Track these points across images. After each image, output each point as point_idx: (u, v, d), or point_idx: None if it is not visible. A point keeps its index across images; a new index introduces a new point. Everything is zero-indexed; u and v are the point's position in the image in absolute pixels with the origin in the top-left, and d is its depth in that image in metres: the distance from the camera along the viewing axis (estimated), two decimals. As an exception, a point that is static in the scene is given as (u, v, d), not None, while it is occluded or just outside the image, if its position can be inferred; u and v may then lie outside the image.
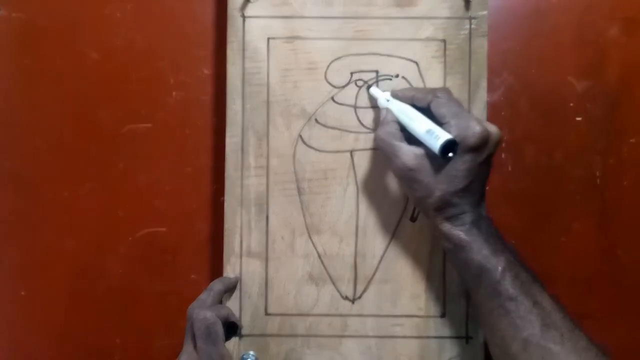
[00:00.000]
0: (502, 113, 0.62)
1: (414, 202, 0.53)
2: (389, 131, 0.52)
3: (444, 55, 0.58)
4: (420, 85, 0.57)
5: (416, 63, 0.58)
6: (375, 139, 0.54)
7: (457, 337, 0.57)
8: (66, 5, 0.63)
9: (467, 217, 0.50)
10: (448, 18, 0.57)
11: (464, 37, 0.58)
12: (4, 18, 0.63)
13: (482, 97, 0.57)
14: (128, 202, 0.63)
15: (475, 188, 0.50)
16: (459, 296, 0.57)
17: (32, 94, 0.63)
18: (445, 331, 0.57)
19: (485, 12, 0.57)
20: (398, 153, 0.51)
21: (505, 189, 0.62)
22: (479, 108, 0.57)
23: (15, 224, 0.63)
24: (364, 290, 0.58)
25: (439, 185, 0.50)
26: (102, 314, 0.63)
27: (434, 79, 0.57)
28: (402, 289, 0.57)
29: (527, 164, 0.62)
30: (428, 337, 0.57)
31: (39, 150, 0.63)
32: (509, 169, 0.62)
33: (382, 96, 0.56)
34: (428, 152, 0.50)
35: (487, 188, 0.57)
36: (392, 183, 0.58)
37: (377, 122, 0.58)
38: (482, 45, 0.57)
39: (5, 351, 0.63)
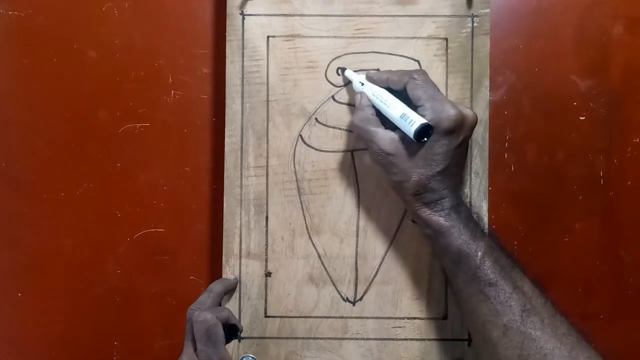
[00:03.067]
0: (505, 112, 0.61)
1: (392, 187, 0.53)
2: (364, 117, 0.52)
3: (446, 53, 0.57)
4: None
5: (418, 62, 0.57)
6: (351, 125, 0.54)
7: (459, 340, 0.57)
8: (64, 4, 0.62)
9: (446, 202, 0.50)
10: (450, 16, 0.57)
11: (466, 36, 0.57)
12: (1, 16, 0.62)
13: (484, 96, 0.57)
14: (126, 203, 0.62)
15: (453, 172, 0.51)
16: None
17: (30, 93, 0.62)
18: (447, 333, 0.57)
19: (487, 10, 0.57)
20: (374, 138, 0.51)
21: (507, 188, 0.61)
22: (481, 107, 0.57)
23: (12, 224, 0.63)
24: (365, 292, 0.57)
25: (416, 170, 0.50)
26: (100, 315, 0.63)
27: (436, 78, 0.57)
28: (404, 291, 0.57)
29: (530, 163, 0.62)
30: (430, 339, 0.57)
31: (36, 149, 0.62)
32: (512, 168, 0.61)
33: (357, 79, 0.55)
34: (404, 136, 0.50)
35: (490, 188, 0.57)
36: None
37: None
38: (484, 44, 0.57)
39: (3, 353, 0.63)
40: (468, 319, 0.51)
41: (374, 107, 0.53)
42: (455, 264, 0.49)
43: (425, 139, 0.49)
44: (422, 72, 0.52)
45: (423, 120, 0.49)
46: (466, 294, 0.49)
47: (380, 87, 0.54)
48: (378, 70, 0.57)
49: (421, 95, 0.50)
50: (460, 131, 0.49)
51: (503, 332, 0.47)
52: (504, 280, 0.48)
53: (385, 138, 0.51)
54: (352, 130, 0.56)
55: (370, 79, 0.55)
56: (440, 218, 0.50)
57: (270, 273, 0.57)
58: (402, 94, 0.52)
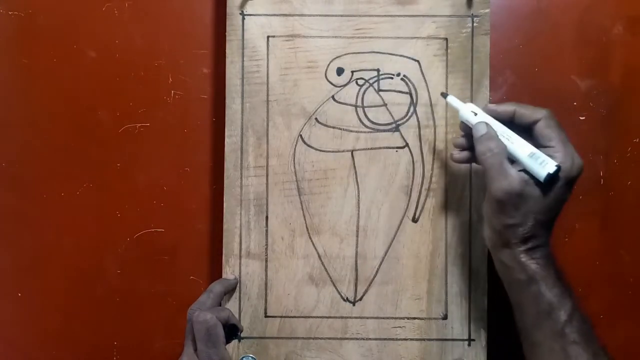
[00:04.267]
0: (505, 112, 0.61)
1: (497, 229, 0.49)
2: (496, 149, 0.48)
3: (446, 53, 0.57)
4: (423, 84, 0.57)
5: (418, 62, 0.57)
6: (481, 156, 0.49)
7: (459, 340, 0.57)
8: (64, 4, 0.62)
9: (545, 251, 0.48)
10: (450, 16, 0.57)
11: (466, 36, 0.57)
12: (1, 16, 0.62)
13: (484, 96, 0.57)
14: (126, 203, 0.62)
15: (554, 222, 0.49)
16: (461, 298, 0.57)
17: (30, 93, 0.62)
18: (447, 333, 0.57)
19: (487, 10, 0.57)
20: (506, 175, 0.47)
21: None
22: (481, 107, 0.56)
23: (12, 224, 0.63)
24: (365, 292, 0.57)
25: (535, 215, 0.47)
26: (100, 315, 0.63)
27: (436, 78, 0.57)
28: (404, 291, 0.57)
29: (530, 163, 0.62)
30: (430, 339, 0.57)
31: (36, 149, 0.62)
32: (512, 168, 0.61)
33: (467, 108, 0.52)
34: (533, 178, 0.47)
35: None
36: (393, 183, 0.57)
37: (378, 121, 0.57)
38: (484, 44, 0.57)
39: (3, 353, 0.63)
40: None
41: None
42: (544, 315, 0.47)
43: (550, 183, 0.47)
44: (551, 112, 0.49)
45: (556, 163, 0.46)
46: (546, 348, 0.47)
47: (499, 118, 0.50)
48: (378, 70, 0.57)
49: (553, 136, 0.48)
50: (576, 183, 0.48)
51: None
52: (587, 344, 0.46)
53: (516, 177, 0.47)
54: (480, 161, 0.50)
55: (491, 110, 0.51)
56: (538, 266, 0.47)
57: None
58: (519, 131, 0.49)
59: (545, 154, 0.47)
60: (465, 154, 0.53)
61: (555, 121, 0.49)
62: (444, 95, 0.54)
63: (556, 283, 0.48)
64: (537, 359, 0.49)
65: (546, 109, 0.50)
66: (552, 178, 0.46)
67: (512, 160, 0.49)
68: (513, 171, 0.48)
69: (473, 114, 0.51)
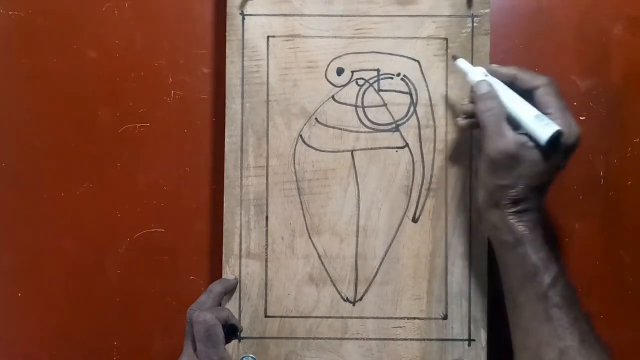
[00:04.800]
0: (505, 112, 0.61)
1: (489, 189, 0.50)
2: (495, 110, 0.49)
3: (446, 53, 0.57)
4: (423, 84, 0.57)
5: (418, 62, 0.57)
6: (480, 114, 0.50)
7: (459, 340, 0.57)
8: (64, 4, 0.62)
9: (534, 214, 0.49)
10: (450, 16, 0.57)
11: (466, 36, 0.57)
12: (1, 16, 0.62)
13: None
14: (126, 203, 0.62)
15: (547, 189, 0.50)
16: (461, 298, 0.57)
17: (30, 93, 0.62)
18: (447, 333, 0.57)
19: (487, 10, 0.57)
20: (502, 136, 0.48)
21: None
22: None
23: (12, 224, 0.63)
24: (365, 292, 0.57)
25: (527, 179, 0.48)
26: (100, 315, 0.63)
27: (436, 78, 0.57)
28: (404, 291, 0.57)
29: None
30: (430, 339, 0.57)
31: (36, 149, 0.62)
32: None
33: (474, 70, 0.52)
34: (531, 141, 0.48)
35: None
36: (394, 183, 0.57)
37: (378, 121, 0.57)
38: (484, 44, 0.57)
39: (3, 353, 0.63)
40: (521, 335, 0.49)
41: None
42: (528, 277, 0.48)
43: (549, 148, 0.47)
44: (553, 80, 0.50)
45: (558, 127, 0.47)
46: (529, 310, 0.48)
47: (501, 79, 0.51)
48: (378, 70, 0.57)
49: (553, 103, 0.48)
50: (574, 152, 0.49)
51: (558, 356, 0.46)
52: (569, 307, 0.47)
53: (513, 139, 0.48)
54: (478, 119, 0.50)
55: (494, 72, 0.52)
56: (526, 228, 0.48)
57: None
58: (522, 96, 0.50)
59: None
60: (470, 121, 0.53)
61: (555, 89, 0.49)
62: (455, 57, 0.55)
63: (543, 247, 0.48)
64: (519, 321, 0.49)
65: (547, 76, 0.51)
66: (552, 142, 0.47)
67: (514, 124, 0.49)
68: (510, 132, 0.48)
69: (483, 75, 0.52)
